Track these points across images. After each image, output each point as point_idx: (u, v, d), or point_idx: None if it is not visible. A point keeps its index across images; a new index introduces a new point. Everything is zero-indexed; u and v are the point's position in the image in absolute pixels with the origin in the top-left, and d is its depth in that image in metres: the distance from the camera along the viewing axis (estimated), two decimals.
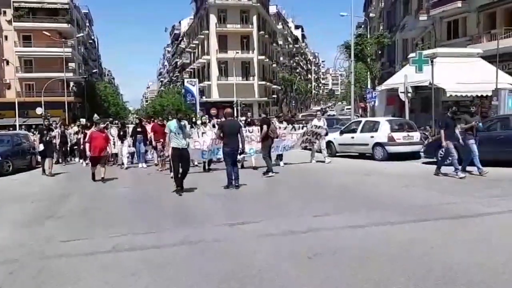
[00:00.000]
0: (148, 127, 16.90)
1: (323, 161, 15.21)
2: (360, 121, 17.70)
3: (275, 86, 73.87)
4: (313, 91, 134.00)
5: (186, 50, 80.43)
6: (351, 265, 4.83)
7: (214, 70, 61.75)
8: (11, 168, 16.14)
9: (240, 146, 10.47)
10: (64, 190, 11.43)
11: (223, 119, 12.24)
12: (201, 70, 67.07)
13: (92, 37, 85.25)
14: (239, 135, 10.36)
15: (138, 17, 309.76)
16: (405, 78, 19.04)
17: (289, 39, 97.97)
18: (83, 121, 28.07)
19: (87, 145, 12.82)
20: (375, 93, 27.59)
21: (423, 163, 14.46)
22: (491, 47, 20.38)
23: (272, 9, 77.96)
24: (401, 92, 19.28)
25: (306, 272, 4.65)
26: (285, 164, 14.80)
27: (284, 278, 4.51)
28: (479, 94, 19.06)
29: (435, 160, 13.73)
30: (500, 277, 4.37)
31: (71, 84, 49.94)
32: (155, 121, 18.58)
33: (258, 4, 62.77)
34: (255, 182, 11.38)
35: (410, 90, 19.00)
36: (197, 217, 7.58)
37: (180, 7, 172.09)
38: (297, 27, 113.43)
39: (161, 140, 14.12)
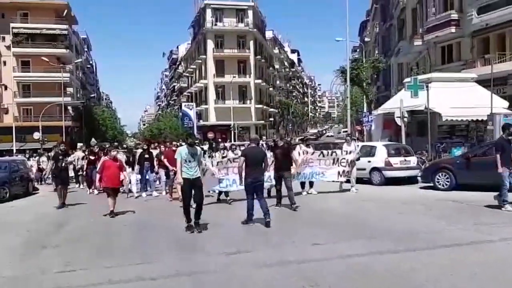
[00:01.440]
0: (155, 151, 15.65)
1: (348, 190, 13.78)
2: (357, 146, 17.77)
3: (272, 109, 74.33)
4: (310, 114, 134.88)
5: (183, 74, 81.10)
6: None
7: (211, 94, 62.16)
8: (8, 194, 16.07)
9: (266, 174, 9.67)
10: (61, 218, 11.31)
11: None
12: (199, 94, 67.52)
13: (90, 62, 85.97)
14: (263, 164, 9.23)
15: (136, 42, 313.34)
16: (401, 102, 19.21)
17: (285, 63, 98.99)
18: (80, 145, 28.05)
19: (97, 176, 11.87)
20: (371, 117, 27.79)
21: (420, 187, 14.49)
22: (485, 71, 20.63)
23: (269, 34, 79.02)
24: (397, 117, 19.42)
25: None
26: (310, 192, 13.53)
27: None
28: (475, 119, 19.21)
29: (431, 184, 13.80)
30: None
31: (69, 108, 50.12)
32: (169, 145, 16.97)
33: (255, 30, 63.62)
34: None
35: (406, 114, 19.15)
36: (196, 246, 7.50)
37: (178, 33, 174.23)
38: (293, 51, 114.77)
39: (174, 168, 12.29)
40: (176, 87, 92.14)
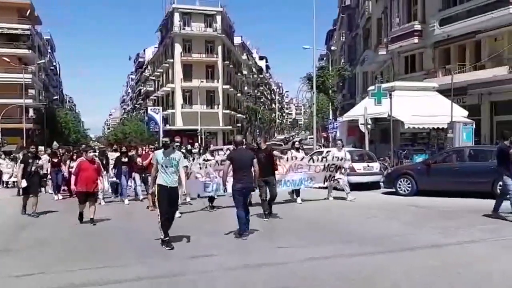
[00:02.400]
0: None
1: (345, 198, 13.10)
2: (321, 152, 17.99)
3: (239, 115, 74.41)
4: (277, 121, 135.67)
5: (150, 78, 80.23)
6: None
7: (179, 98, 61.71)
8: None
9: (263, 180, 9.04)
10: (24, 221, 10.89)
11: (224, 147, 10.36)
12: (165, 98, 66.89)
13: (54, 64, 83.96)
14: (252, 168, 8.35)
15: (102, 45, 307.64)
16: (364, 110, 19.60)
17: (254, 69, 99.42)
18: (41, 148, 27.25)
19: (73, 178, 10.32)
20: (336, 124, 28.22)
21: (382, 193, 14.82)
22: (446, 81, 21.31)
23: (237, 40, 79.22)
24: (361, 124, 19.80)
25: None
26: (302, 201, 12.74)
27: None
28: (435, 127, 19.79)
29: (393, 190, 14.13)
30: None
31: (30, 110, 48.72)
32: (148, 147, 15.75)
33: (223, 35, 63.66)
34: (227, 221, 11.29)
35: (369, 121, 19.54)
36: (162, 251, 7.37)
37: (145, 36, 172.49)
38: (261, 58, 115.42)
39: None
40: (142, 90, 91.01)
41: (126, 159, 14.11)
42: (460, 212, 10.61)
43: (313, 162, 13.02)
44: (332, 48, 63.65)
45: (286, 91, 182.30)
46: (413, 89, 21.41)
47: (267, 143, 11.59)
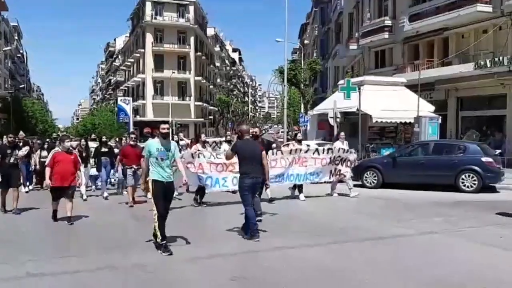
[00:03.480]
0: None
1: (348, 195, 12.24)
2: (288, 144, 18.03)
3: (211, 107, 73.99)
4: (250, 114, 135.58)
5: (120, 68, 78.88)
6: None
7: (150, 89, 60.90)
8: None
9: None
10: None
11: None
12: (136, 89, 65.90)
13: (21, 51, 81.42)
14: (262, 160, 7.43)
15: (72, 34, 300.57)
16: (334, 103, 19.74)
17: (227, 61, 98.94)
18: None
19: (48, 170, 8.93)
20: (307, 118, 28.36)
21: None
22: (414, 76, 21.61)
23: (210, 31, 78.57)
24: (330, 117, 19.95)
25: None
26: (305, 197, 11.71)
27: None
28: (403, 121, 20.10)
29: (360, 182, 14.28)
30: None
31: None
32: (126, 140, 14.53)
33: (196, 26, 63.02)
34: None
35: (338, 115, 19.71)
36: (130, 242, 7.26)
37: (116, 25, 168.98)
38: (234, 50, 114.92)
39: (134, 166, 11.05)
40: (112, 80, 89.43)
41: (107, 149, 13.08)
42: (422, 205, 10.83)
43: (318, 154, 11.92)
44: (305, 41, 63.81)
45: (259, 84, 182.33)
46: (382, 83, 21.66)
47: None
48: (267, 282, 5.16)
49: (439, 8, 23.77)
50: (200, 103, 64.92)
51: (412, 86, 21.65)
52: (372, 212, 10.02)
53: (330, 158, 11.99)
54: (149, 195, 7.03)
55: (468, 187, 12.95)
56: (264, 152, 7.59)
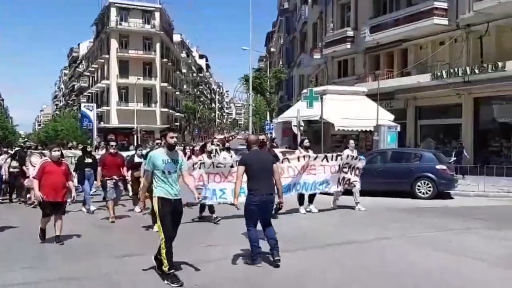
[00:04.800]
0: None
1: (353, 207, 11.42)
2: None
3: (178, 114, 73.57)
4: (217, 120, 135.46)
5: (84, 73, 77.51)
6: None
7: (114, 95, 60.06)
8: None
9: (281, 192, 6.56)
10: None
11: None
12: (100, 95, 64.88)
13: None
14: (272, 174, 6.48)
15: (34, 38, 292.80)
16: (297, 112, 20.09)
17: (193, 68, 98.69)
18: None
19: (35, 183, 7.85)
20: (272, 125, 28.71)
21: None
22: (375, 86, 22.27)
23: (176, 38, 78.27)
24: (294, 126, 20.29)
25: None
26: (309, 210, 10.98)
27: None
28: (364, 129, 20.65)
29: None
30: None
31: None
32: (106, 149, 13.19)
33: (162, 32, 62.69)
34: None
35: (302, 123, 20.05)
36: (86, 251, 7.28)
37: (79, 30, 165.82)
38: (201, 56, 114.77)
39: (115, 177, 10.23)
40: (76, 86, 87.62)
41: (91, 160, 11.90)
42: (380, 211, 11.20)
43: (327, 161, 11.06)
44: (272, 49, 64.56)
45: (226, 91, 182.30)
46: (344, 93, 22.18)
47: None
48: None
49: (398, 20, 24.59)
50: (166, 110, 64.47)
51: (373, 95, 22.27)
52: (332, 218, 10.29)
53: (339, 165, 11.17)
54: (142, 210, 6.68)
55: (423, 193, 13.48)
56: (275, 165, 6.62)
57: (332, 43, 30.05)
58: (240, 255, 6.62)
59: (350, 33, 28.82)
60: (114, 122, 59.04)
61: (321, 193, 11.33)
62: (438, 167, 13.59)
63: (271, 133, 30.20)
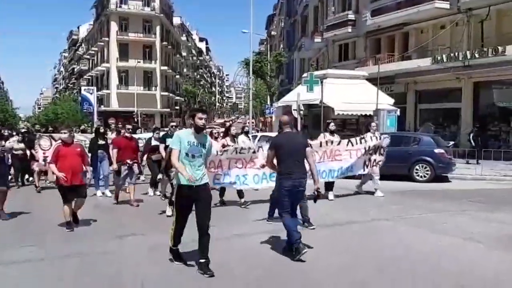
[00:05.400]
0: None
1: (373, 192, 11.18)
2: (255, 136, 18.40)
3: (178, 98, 73.47)
4: (217, 104, 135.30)
5: (84, 56, 77.20)
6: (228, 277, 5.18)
7: (114, 79, 60.01)
8: None
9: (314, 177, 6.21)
10: None
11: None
12: (100, 78, 64.76)
13: None
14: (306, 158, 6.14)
15: (34, 20, 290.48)
16: (297, 96, 20.13)
17: (193, 51, 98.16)
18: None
19: (52, 166, 7.50)
20: (272, 109, 28.78)
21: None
22: (375, 70, 22.31)
23: (176, 21, 77.76)
24: (293, 109, 20.35)
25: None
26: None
27: None
28: (363, 113, 20.72)
29: None
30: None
31: None
32: (121, 130, 12.02)
33: (162, 15, 62.32)
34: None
35: (302, 107, 20.12)
36: (85, 232, 7.43)
37: (79, 13, 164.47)
38: (201, 39, 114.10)
39: (129, 161, 9.93)
40: (75, 69, 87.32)
41: (104, 142, 11.40)
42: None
43: (352, 145, 10.54)
44: (272, 33, 64.15)
45: (227, 75, 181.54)
46: (344, 77, 22.20)
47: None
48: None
49: (400, 4, 24.50)
50: (166, 93, 64.42)
51: (373, 79, 22.30)
52: (333, 200, 10.42)
53: (365, 148, 10.70)
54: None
55: (421, 177, 13.66)
56: (309, 149, 6.21)
57: (333, 26, 29.95)
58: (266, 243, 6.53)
59: (352, 16, 28.71)
60: (114, 105, 59.06)
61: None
62: (436, 150, 13.74)
63: (271, 117, 30.26)
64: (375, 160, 10.99)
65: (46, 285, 5.02)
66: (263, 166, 8.09)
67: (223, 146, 9.65)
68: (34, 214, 8.90)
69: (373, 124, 11.67)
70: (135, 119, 49.93)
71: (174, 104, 71.33)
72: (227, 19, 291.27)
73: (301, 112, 20.23)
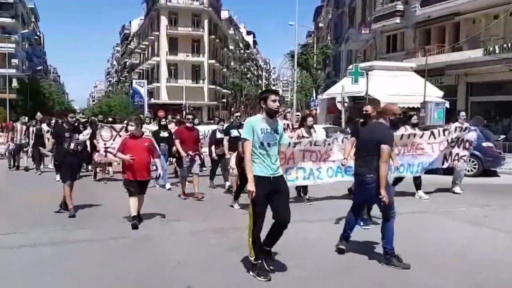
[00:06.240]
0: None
1: (454, 191, 10.44)
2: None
3: (225, 91, 74.43)
4: None
5: (135, 50, 79.50)
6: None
7: (164, 72, 61.55)
8: None
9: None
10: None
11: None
12: (150, 72, 66.59)
13: (38, 33, 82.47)
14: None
15: (88, 16, 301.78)
16: (342, 88, 20.12)
17: (241, 44, 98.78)
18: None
19: (119, 154, 7.36)
20: (317, 102, 28.78)
21: None
22: (424, 61, 21.88)
23: (224, 14, 78.57)
24: (338, 102, 20.35)
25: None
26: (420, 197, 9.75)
27: None
28: (411, 106, 20.39)
29: None
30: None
31: (14, 81, 48.29)
32: (180, 121, 11.75)
33: (210, 9, 63.19)
34: None
35: (346, 100, 20.08)
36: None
37: (131, 7, 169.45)
38: (248, 33, 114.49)
39: (191, 153, 9.47)
40: (127, 63, 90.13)
41: (167, 134, 11.08)
42: (423, 186, 11.18)
43: (435, 138, 9.68)
44: (320, 25, 63.51)
45: (273, 67, 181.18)
46: (391, 68, 21.94)
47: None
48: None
49: None
50: (213, 87, 65.43)
51: (422, 71, 21.90)
52: None
53: (447, 140, 9.81)
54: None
55: (468, 171, 13.33)
56: (385, 146, 5.13)
57: (381, 17, 29.52)
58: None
59: (400, 7, 28.17)
60: (164, 98, 60.62)
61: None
62: (484, 144, 13.39)
63: (316, 109, 30.24)
64: (457, 154, 10.09)
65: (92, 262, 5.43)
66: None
67: (298, 137, 9.01)
68: (92, 204, 8.82)
69: (461, 113, 10.76)
70: (184, 112, 51.12)
71: (221, 97, 72.35)
72: (275, 12, 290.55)
73: (346, 104, 20.19)
